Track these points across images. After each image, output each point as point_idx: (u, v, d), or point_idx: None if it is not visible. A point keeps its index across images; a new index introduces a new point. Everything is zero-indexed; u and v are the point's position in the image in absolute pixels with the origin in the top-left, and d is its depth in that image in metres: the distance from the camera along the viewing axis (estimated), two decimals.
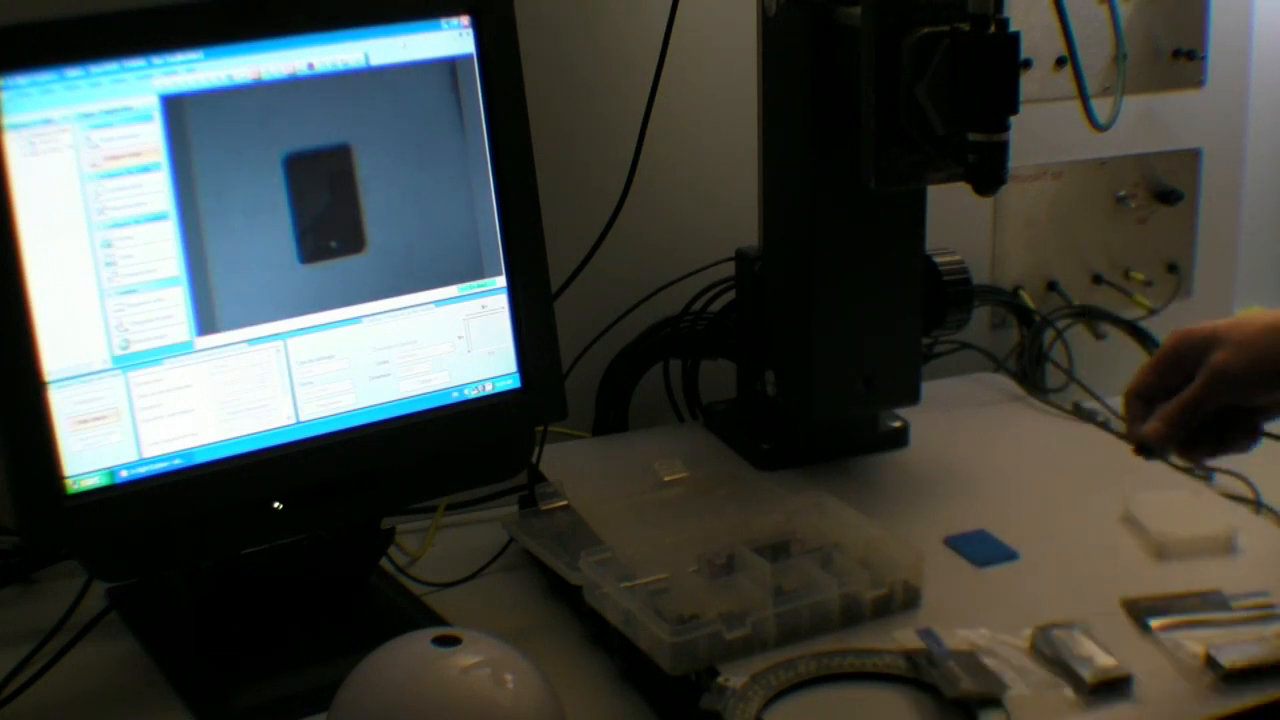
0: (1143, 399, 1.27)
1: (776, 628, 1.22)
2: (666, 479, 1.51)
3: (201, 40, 1.19)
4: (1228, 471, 1.58)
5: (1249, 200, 1.95)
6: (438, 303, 1.31)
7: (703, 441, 1.62)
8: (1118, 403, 1.76)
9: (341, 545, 1.38)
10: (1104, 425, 1.66)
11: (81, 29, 1.16)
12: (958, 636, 1.22)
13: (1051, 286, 1.88)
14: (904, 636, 1.22)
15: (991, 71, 1.29)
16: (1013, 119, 1.30)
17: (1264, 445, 1.28)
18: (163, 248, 1.19)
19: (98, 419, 1.19)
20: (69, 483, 1.18)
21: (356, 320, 1.28)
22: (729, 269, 1.63)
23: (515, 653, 1.09)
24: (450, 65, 1.30)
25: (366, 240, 1.28)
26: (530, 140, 1.34)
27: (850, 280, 1.48)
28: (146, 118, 1.18)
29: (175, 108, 1.19)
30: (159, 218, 1.19)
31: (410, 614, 1.37)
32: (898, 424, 1.59)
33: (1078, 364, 1.84)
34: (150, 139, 1.18)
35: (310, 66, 1.24)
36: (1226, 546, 1.36)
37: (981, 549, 1.37)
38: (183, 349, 1.21)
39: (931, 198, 1.50)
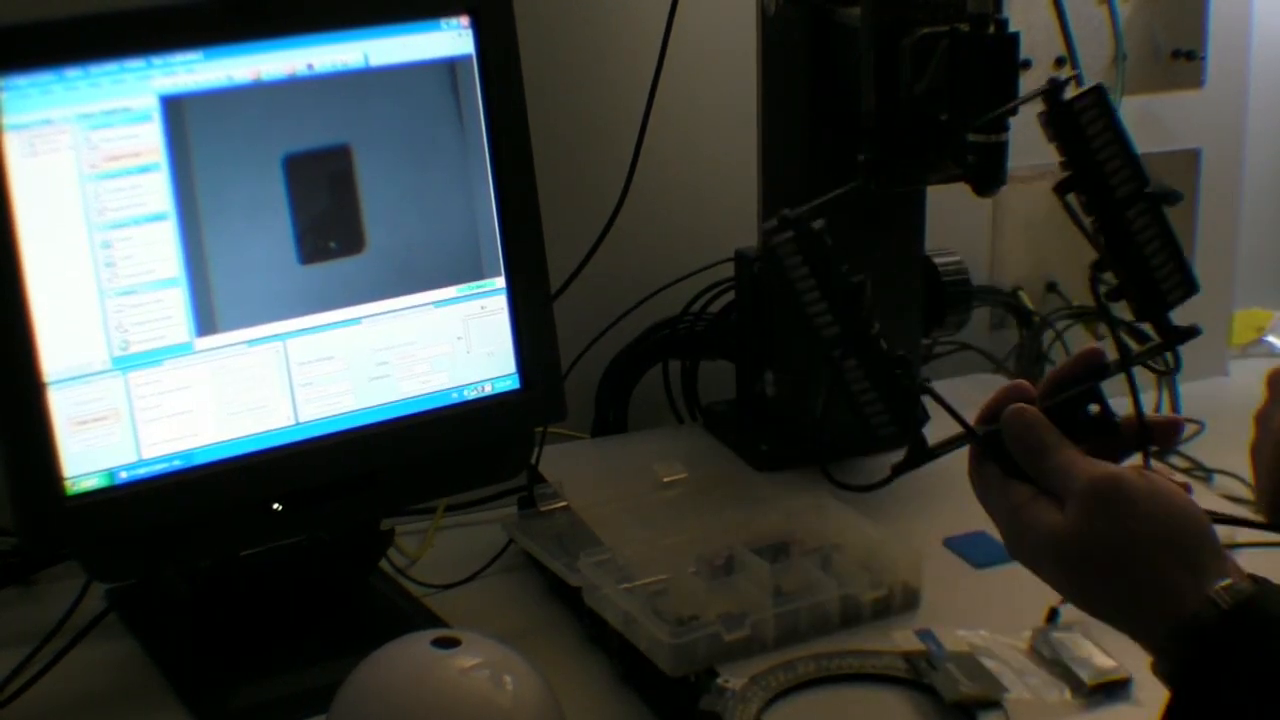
0: None
1: (776, 629, 1.22)
2: (666, 480, 1.51)
3: (201, 41, 1.19)
4: (1227, 473, 1.58)
5: (1248, 201, 1.95)
6: (437, 303, 1.31)
7: (702, 442, 1.62)
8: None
9: (341, 546, 1.38)
10: None
11: (81, 29, 1.16)
12: (957, 638, 1.22)
13: (1051, 287, 1.87)
14: (903, 638, 1.22)
15: (991, 72, 1.29)
16: (1012, 119, 1.30)
17: None
18: (162, 248, 1.19)
19: (97, 420, 1.18)
20: (68, 484, 1.18)
21: (356, 321, 1.28)
22: (728, 269, 1.62)
23: (514, 654, 1.09)
24: (450, 65, 1.30)
25: (366, 241, 1.27)
26: (530, 140, 1.34)
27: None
28: (146, 118, 1.18)
29: (175, 108, 1.19)
30: (158, 218, 1.19)
31: (409, 615, 1.37)
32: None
33: None
34: (150, 139, 1.18)
35: (310, 67, 1.24)
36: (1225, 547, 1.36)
37: (981, 550, 1.36)
38: (182, 350, 1.21)
39: (931, 198, 1.49)
